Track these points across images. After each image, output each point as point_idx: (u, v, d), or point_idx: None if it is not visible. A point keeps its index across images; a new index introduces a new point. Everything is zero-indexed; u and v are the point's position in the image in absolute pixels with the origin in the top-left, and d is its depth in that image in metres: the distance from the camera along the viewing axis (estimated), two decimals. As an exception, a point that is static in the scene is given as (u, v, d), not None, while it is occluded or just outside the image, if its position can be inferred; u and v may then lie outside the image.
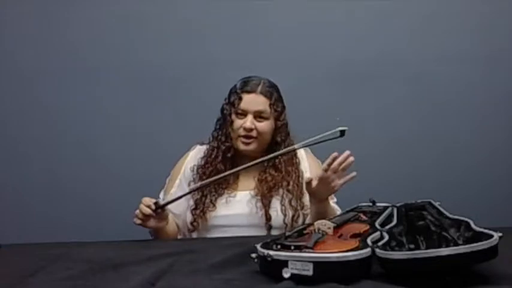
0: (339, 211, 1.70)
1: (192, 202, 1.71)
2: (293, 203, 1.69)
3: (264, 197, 1.68)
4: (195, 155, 1.80)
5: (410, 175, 2.32)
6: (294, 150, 1.65)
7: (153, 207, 1.53)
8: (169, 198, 1.65)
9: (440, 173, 2.37)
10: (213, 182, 1.64)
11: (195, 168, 1.76)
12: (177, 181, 1.77)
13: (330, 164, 1.49)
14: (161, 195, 1.79)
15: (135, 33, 2.42)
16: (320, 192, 1.55)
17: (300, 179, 1.73)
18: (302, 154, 1.80)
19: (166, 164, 1.85)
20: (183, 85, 2.37)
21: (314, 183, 1.52)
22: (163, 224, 1.61)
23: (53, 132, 2.41)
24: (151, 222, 1.57)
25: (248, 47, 2.38)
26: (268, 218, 1.67)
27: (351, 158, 1.49)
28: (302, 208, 1.70)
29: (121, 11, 2.42)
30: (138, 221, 1.55)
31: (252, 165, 1.58)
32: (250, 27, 2.41)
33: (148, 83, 2.40)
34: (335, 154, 1.49)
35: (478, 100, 2.42)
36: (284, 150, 1.69)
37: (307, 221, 1.67)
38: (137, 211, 1.56)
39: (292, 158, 1.76)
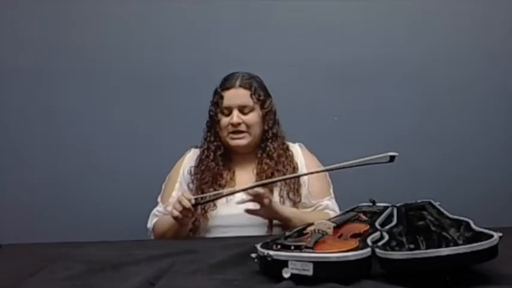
0: (332, 211, 1.71)
1: (193, 201, 1.71)
2: (291, 195, 1.71)
3: (265, 189, 1.69)
4: (191, 158, 1.82)
5: (410, 175, 2.32)
6: (336, 169, 1.56)
7: (193, 201, 1.54)
8: (207, 197, 1.64)
9: (440, 173, 2.37)
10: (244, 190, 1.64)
11: (192, 170, 1.77)
12: (177, 184, 1.78)
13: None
14: (159, 200, 1.80)
15: (135, 34, 2.42)
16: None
17: (296, 170, 1.74)
18: (297, 149, 1.81)
19: (167, 164, 1.85)
20: (183, 86, 2.37)
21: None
22: (189, 221, 1.62)
23: (53, 132, 2.41)
24: (184, 219, 1.56)
25: (248, 47, 2.38)
26: None
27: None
28: (300, 201, 1.71)
29: (121, 11, 2.42)
30: (176, 213, 1.54)
31: (265, 183, 1.62)
32: (251, 28, 2.41)
33: (148, 83, 2.40)
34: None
35: (478, 100, 2.41)
36: (310, 172, 1.71)
37: None
38: (176, 204, 1.56)
39: (284, 150, 1.77)
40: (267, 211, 1.59)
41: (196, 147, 1.84)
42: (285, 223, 1.62)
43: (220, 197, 1.64)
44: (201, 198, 1.61)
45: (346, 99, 2.40)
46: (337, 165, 1.49)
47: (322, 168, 1.70)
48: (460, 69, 2.39)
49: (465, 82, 2.40)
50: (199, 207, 1.62)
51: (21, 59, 2.41)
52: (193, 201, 1.54)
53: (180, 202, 1.54)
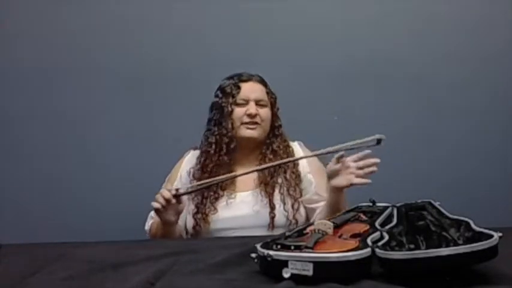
0: None
1: (193, 206, 1.71)
2: (291, 192, 1.71)
3: (267, 185, 1.70)
4: (190, 160, 1.81)
5: (410, 175, 2.32)
6: (324, 154, 1.57)
7: (174, 192, 1.55)
8: (186, 190, 1.63)
9: (440, 173, 2.37)
10: (227, 178, 1.64)
11: (191, 171, 1.76)
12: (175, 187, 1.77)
13: (360, 158, 1.50)
14: None
15: (136, 35, 2.42)
16: (335, 178, 1.54)
17: (297, 166, 1.75)
18: (297, 146, 1.82)
19: (167, 164, 1.85)
20: (184, 87, 2.37)
21: (334, 165, 1.52)
22: (175, 219, 1.60)
23: (53, 132, 2.41)
24: (168, 214, 1.56)
25: (248, 48, 2.38)
26: (272, 206, 1.67)
27: (375, 168, 1.49)
28: (300, 196, 1.72)
29: (121, 12, 2.42)
30: (157, 205, 1.55)
31: (257, 170, 1.63)
32: (250, 28, 2.42)
33: (148, 84, 2.40)
34: (368, 152, 1.49)
35: (478, 100, 2.41)
36: (307, 155, 1.73)
37: (318, 211, 1.69)
38: (157, 195, 1.56)
39: (286, 147, 1.78)
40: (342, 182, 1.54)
41: (195, 148, 1.82)
42: (340, 200, 1.59)
43: (200, 188, 1.64)
44: (182, 189, 1.61)
45: (346, 99, 2.40)
46: (327, 149, 1.50)
47: (322, 165, 1.71)
48: (460, 70, 2.39)
49: (465, 82, 2.40)
50: (190, 202, 1.62)
51: (21, 59, 2.41)
52: (173, 192, 1.55)
53: (160, 193, 1.55)
